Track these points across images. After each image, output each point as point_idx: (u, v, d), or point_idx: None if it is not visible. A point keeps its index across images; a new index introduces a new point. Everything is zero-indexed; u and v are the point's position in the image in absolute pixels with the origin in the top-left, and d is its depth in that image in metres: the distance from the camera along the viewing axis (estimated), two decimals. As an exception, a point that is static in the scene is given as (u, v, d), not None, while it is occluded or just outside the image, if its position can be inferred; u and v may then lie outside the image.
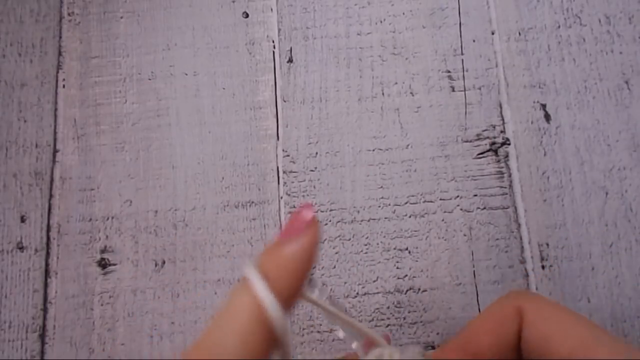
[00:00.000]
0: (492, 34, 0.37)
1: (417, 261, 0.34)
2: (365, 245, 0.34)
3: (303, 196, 0.35)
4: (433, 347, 0.33)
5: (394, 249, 0.34)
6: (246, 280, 0.20)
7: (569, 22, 0.37)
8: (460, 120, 0.36)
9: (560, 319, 0.22)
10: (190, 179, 0.36)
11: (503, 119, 0.36)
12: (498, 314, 0.23)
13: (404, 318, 0.33)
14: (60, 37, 0.38)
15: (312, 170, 0.36)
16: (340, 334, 0.23)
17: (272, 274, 0.20)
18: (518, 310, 0.23)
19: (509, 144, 0.36)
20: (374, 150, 0.36)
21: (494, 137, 0.36)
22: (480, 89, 0.36)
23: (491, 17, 0.38)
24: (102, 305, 0.34)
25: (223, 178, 0.36)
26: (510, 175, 0.35)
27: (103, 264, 0.35)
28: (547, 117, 0.36)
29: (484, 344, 0.23)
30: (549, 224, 0.34)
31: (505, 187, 0.35)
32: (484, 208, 0.35)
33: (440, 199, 0.35)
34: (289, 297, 0.20)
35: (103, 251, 0.35)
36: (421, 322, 0.33)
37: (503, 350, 0.23)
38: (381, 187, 0.35)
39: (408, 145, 0.36)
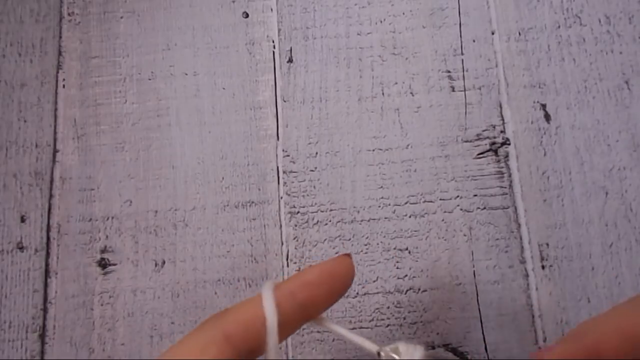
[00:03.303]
0: (492, 34, 0.37)
1: (417, 261, 0.34)
2: (365, 245, 0.34)
3: (303, 196, 0.35)
4: (433, 347, 0.33)
5: (394, 249, 0.34)
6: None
7: (569, 22, 0.37)
8: (460, 120, 0.36)
9: None
10: (190, 179, 0.36)
11: (503, 119, 0.36)
12: (630, 324, 0.19)
13: (404, 318, 0.33)
14: (60, 37, 0.38)
15: (312, 170, 0.36)
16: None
17: (283, 284, 0.22)
18: None
19: (509, 144, 0.36)
20: (374, 150, 0.36)
21: (494, 137, 0.36)
22: (480, 89, 0.36)
23: (491, 17, 0.38)
24: (102, 305, 0.34)
25: (223, 178, 0.36)
26: (510, 175, 0.35)
27: (103, 264, 0.35)
28: (547, 117, 0.36)
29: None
30: (549, 224, 0.34)
31: (505, 187, 0.35)
32: (484, 208, 0.35)
33: (440, 199, 0.35)
34: (295, 304, 0.21)
35: (103, 251, 0.35)
36: (421, 322, 0.33)
37: None
38: (381, 187, 0.35)
39: (408, 145, 0.36)
